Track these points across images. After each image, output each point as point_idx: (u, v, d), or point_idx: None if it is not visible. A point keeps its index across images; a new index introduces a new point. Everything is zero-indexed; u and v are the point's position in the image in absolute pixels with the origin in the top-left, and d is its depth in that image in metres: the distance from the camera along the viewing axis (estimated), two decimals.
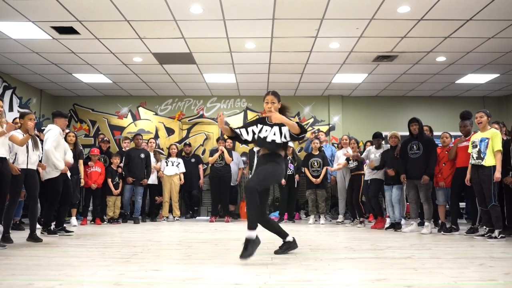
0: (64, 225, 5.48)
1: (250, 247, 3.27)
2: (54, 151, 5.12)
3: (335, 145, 8.87)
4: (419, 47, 6.79)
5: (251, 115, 9.96)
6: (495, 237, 4.79)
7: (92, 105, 10.11)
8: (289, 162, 7.67)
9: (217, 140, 8.27)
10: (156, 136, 9.95)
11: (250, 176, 7.91)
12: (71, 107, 10.08)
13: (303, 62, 7.59)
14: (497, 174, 4.75)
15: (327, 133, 9.67)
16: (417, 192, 5.88)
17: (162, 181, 8.08)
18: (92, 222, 7.22)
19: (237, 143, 9.78)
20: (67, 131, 6.24)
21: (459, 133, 5.81)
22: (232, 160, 8.07)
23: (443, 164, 5.86)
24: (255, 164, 7.78)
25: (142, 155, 7.59)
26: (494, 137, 4.87)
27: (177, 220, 7.99)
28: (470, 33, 6.16)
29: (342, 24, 5.90)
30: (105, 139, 8.04)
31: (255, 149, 7.82)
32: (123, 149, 8.20)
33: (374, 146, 6.71)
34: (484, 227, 5.10)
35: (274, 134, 3.63)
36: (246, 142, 3.83)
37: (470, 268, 3.06)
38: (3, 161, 4.20)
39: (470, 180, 5.10)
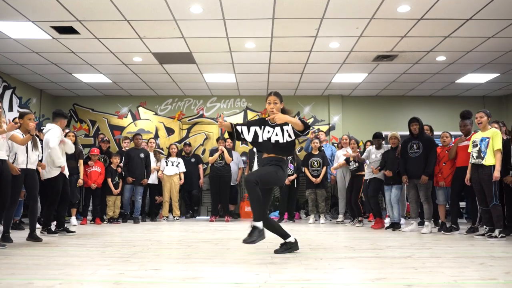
0: (66, 226, 5.48)
1: (255, 234, 3.29)
2: (58, 149, 5.15)
3: (335, 145, 8.87)
4: (419, 47, 6.79)
5: (251, 115, 9.95)
6: (496, 237, 4.78)
7: (92, 105, 10.11)
8: (289, 162, 7.67)
9: (217, 140, 8.26)
10: (156, 136, 9.95)
11: None
12: (71, 107, 10.08)
13: (303, 62, 7.59)
14: (496, 173, 4.75)
15: (327, 133, 9.67)
16: (417, 192, 5.88)
17: (162, 181, 8.08)
18: (92, 222, 7.21)
19: (237, 143, 9.87)
20: (66, 130, 6.24)
21: (459, 133, 5.81)
22: (232, 160, 8.06)
23: (443, 164, 5.86)
24: (255, 164, 7.87)
25: (142, 155, 7.59)
26: (494, 136, 4.87)
27: (177, 219, 7.99)
28: (470, 33, 6.16)
29: (342, 24, 5.89)
30: (105, 139, 8.04)
31: (255, 149, 7.81)
32: (123, 149, 8.20)
33: (374, 146, 6.70)
34: (484, 226, 5.10)
35: (277, 135, 3.63)
36: (244, 140, 3.81)
37: (470, 267, 3.06)
38: (3, 162, 4.20)
39: (470, 180, 5.10)
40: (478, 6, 5.30)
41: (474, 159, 5.00)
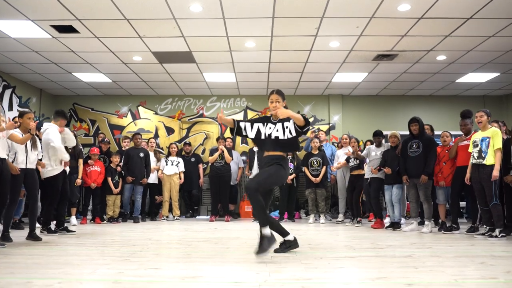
0: (65, 225, 5.47)
1: (265, 244, 3.27)
2: (62, 146, 5.16)
3: (335, 144, 8.86)
4: (419, 46, 6.78)
5: (251, 114, 9.94)
6: (496, 236, 4.78)
7: (92, 104, 10.10)
8: (289, 161, 7.65)
9: (217, 139, 8.27)
10: (156, 136, 9.94)
11: (250, 176, 7.92)
12: (70, 106, 10.07)
13: (303, 61, 7.58)
14: (495, 172, 4.75)
15: (327, 132, 9.66)
16: (417, 191, 5.88)
17: (162, 180, 8.07)
18: (92, 221, 7.21)
19: (237, 142, 9.86)
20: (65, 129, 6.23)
21: (460, 132, 5.81)
22: (232, 159, 8.06)
23: (444, 163, 5.85)
24: (255, 164, 7.86)
25: (141, 154, 7.58)
26: (494, 135, 4.87)
27: (177, 219, 7.99)
28: (470, 32, 6.15)
29: (342, 23, 5.88)
30: (105, 139, 8.03)
31: (255, 148, 7.81)
32: (123, 149, 8.19)
33: (374, 144, 6.70)
34: (485, 226, 5.10)
35: (277, 131, 3.63)
36: (246, 137, 3.79)
37: (470, 266, 3.06)
38: (2, 161, 4.20)
39: (470, 179, 5.09)
40: (479, 5, 5.29)
41: (475, 159, 4.99)
